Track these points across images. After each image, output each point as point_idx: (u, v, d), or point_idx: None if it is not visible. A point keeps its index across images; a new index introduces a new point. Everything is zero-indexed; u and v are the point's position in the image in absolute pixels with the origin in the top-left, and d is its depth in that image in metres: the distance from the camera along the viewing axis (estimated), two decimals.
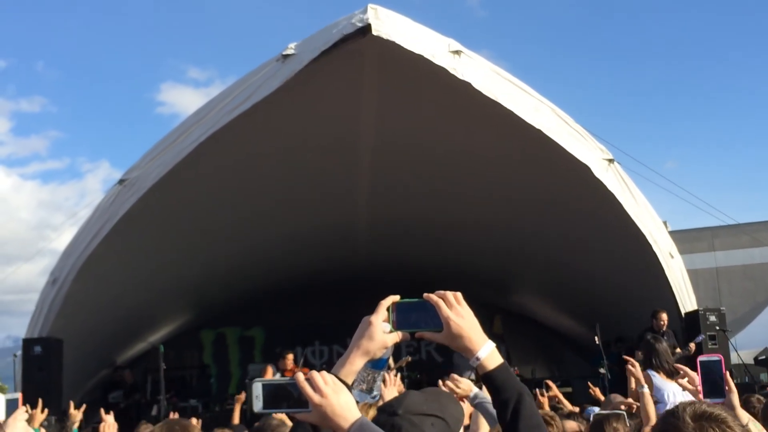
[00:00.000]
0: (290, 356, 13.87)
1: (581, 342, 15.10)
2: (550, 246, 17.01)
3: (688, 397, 7.33)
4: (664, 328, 13.28)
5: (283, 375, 14.10)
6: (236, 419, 10.82)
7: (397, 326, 2.45)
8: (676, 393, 8.07)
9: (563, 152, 12.64)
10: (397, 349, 2.58)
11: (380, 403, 3.53)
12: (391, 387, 5.26)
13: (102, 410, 7.32)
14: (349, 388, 2.35)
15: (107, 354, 18.29)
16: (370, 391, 2.48)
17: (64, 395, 14.16)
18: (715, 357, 4.05)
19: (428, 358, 22.41)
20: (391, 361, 13.21)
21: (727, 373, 4.14)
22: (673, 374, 8.21)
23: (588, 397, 10.41)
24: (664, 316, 13.29)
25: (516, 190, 14.99)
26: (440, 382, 4.93)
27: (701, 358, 4.05)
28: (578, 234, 15.81)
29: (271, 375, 14.22)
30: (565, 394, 11.89)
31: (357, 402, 2.31)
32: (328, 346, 22.94)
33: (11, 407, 6.20)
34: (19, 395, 6.53)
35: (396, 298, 2.50)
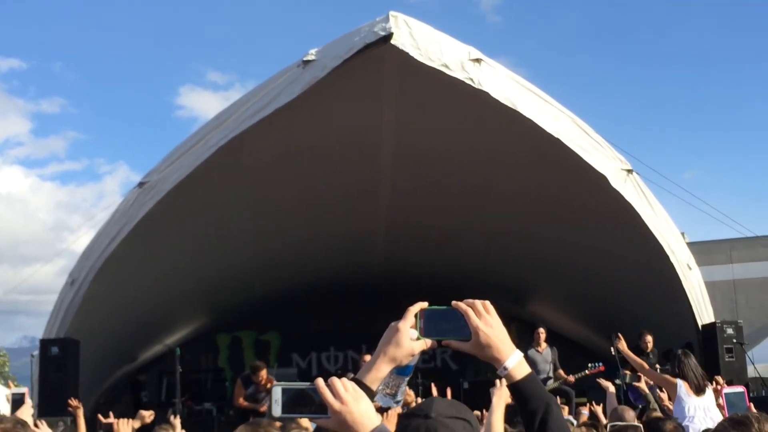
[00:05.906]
0: (263, 372, 13.44)
1: (598, 352, 15.03)
2: (567, 256, 16.95)
3: (710, 414, 7.32)
4: (649, 349, 13.31)
5: (257, 388, 13.67)
6: None
7: (424, 333, 2.40)
8: (697, 408, 8.01)
9: (581, 162, 12.61)
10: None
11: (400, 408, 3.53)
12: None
13: (100, 416, 7.45)
14: (374, 394, 2.34)
15: (124, 356, 18.35)
16: (394, 395, 2.47)
17: (81, 396, 14.23)
18: (738, 389, 3.99)
19: (443, 366, 22.34)
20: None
21: (751, 405, 4.08)
22: (700, 389, 8.16)
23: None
24: (650, 338, 13.45)
25: (534, 199, 14.96)
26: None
27: (726, 390, 3.99)
28: (596, 244, 15.75)
29: (240, 389, 13.79)
30: (579, 405, 11.88)
31: (381, 406, 2.31)
32: (343, 351, 22.95)
33: (18, 402, 6.28)
34: (25, 389, 6.57)
35: (424, 304, 2.45)
